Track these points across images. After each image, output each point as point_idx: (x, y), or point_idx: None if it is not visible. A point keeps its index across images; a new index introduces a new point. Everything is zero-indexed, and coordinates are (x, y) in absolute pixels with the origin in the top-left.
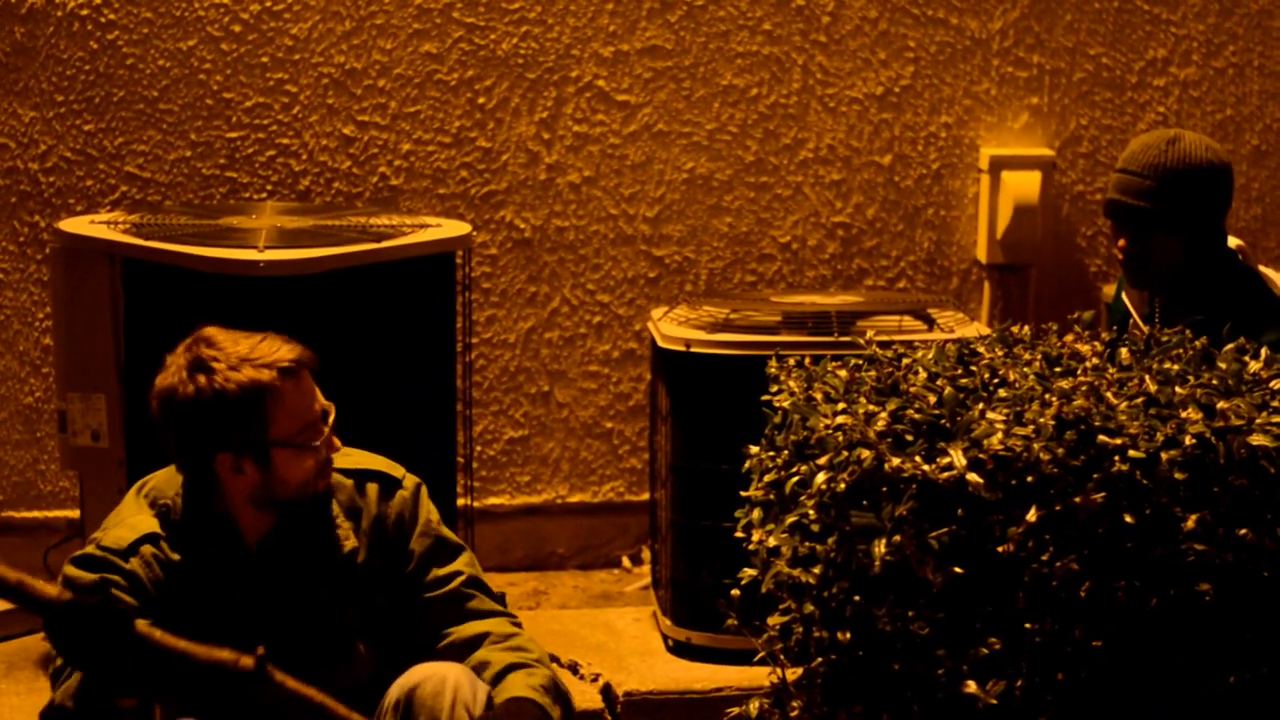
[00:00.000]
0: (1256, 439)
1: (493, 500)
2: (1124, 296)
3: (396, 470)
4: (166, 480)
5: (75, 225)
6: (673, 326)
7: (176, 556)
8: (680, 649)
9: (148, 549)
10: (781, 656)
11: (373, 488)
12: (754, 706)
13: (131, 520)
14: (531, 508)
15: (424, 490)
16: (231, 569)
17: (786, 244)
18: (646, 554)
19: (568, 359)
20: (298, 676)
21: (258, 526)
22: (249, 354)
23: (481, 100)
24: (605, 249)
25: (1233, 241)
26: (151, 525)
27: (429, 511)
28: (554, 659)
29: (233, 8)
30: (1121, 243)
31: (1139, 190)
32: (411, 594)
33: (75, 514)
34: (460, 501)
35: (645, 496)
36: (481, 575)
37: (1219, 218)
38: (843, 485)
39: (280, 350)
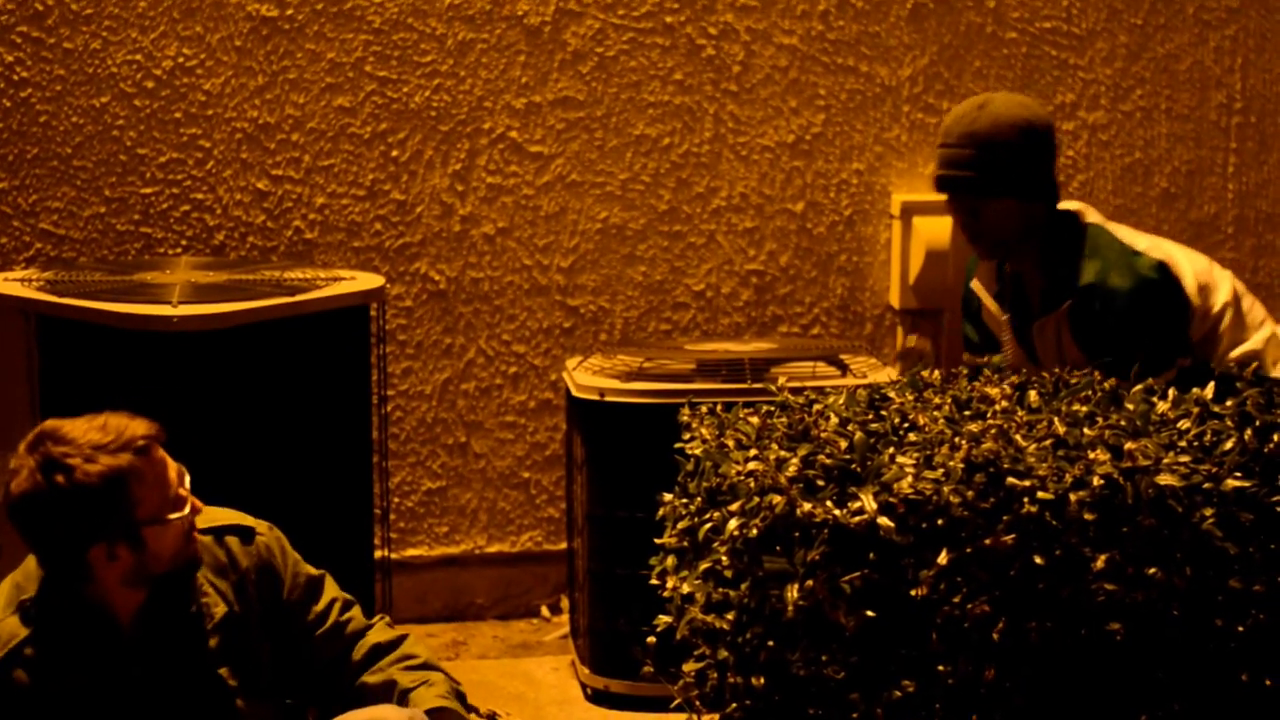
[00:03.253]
0: (1164, 479)
1: (411, 552)
2: (973, 285)
3: (250, 520)
4: (26, 576)
5: None
6: (587, 376)
7: (45, 656)
8: (599, 697)
9: (9, 665)
10: (698, 703)
11: (233, 540)
12: None
13: None
14: (450, 558)
15: (282, 535)
16: (106, 653)
17: (701, 292)
18: (565, 603)
19: (484, 410)
20: None
21: (129, 605)
22: (100, 440)
23: (395, 153)
24: (520, 299)
25: (1074, 205)
26: (13, 632)
27: (292, 555)
28: (473, 710)
29: (145, 64)
30: (959, 218)
31: (959, 160)
32: (297, 638)
33: None
34: (378, 554)
35: (563, 546)
36: (340, 591)
37: (1045, 174)
38: (755, 531)
39: (128, 428)
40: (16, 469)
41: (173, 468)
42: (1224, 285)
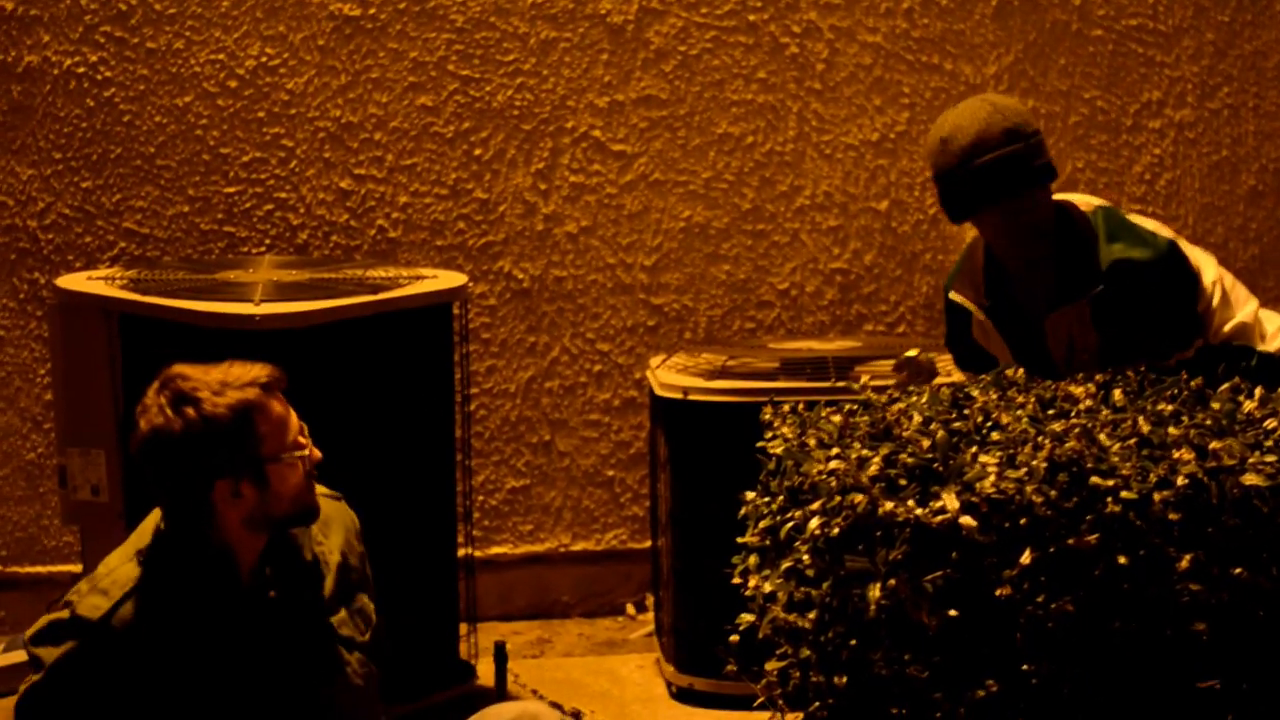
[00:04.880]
0: (1249, 479)
1: (496, 550)
2: (954, 295)
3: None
4: (143, 534)
5: (73, 282)
6: (671, 374)
7: (160, 601)
8: (683, 695)
9: (126, 609)
10: (780, 701)
11: (337, 504)
12: None
13: (108, 581)
14: (535, 556)
15: None
16: (222, 602)
17: (785, 291)
18: (650, 601)
19: (568, 408)
20: (295, 698)
21: (250, 552)
22: (225, 378)
23: (478, 152)
24: (604, 298)
25: (1063, 194)
26: (131, 576)
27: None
28: (557, 707)
29: (228, 63)
30: (1019, 219)
31: (1022, 155)
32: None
33: (78, 568)
34: (461, 552)
35: (648, 544)
36: None
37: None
38: (837, 530)
39: (252, 370)
40: (145, 409)
41: (294, 415)
42: (1210, 265)
